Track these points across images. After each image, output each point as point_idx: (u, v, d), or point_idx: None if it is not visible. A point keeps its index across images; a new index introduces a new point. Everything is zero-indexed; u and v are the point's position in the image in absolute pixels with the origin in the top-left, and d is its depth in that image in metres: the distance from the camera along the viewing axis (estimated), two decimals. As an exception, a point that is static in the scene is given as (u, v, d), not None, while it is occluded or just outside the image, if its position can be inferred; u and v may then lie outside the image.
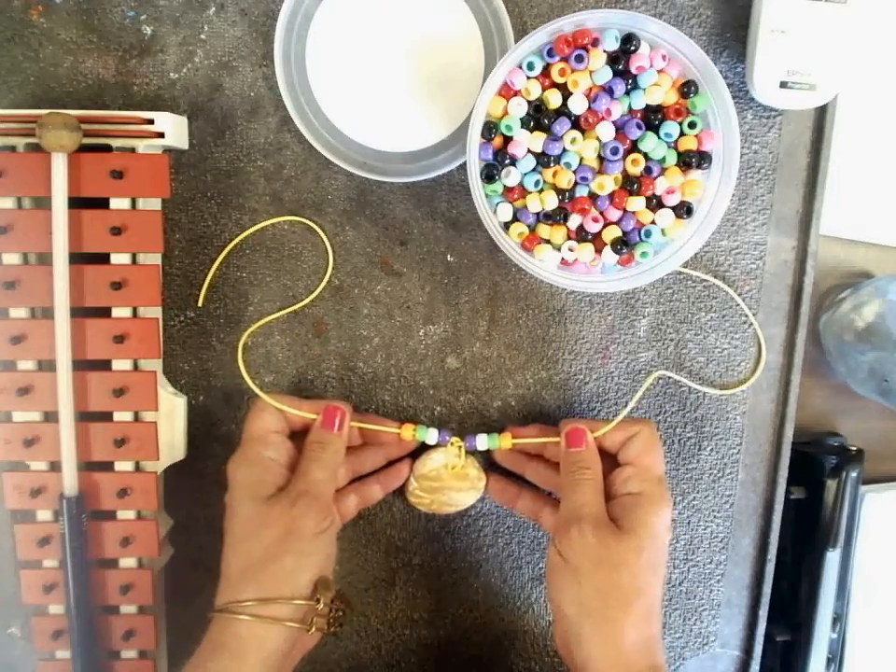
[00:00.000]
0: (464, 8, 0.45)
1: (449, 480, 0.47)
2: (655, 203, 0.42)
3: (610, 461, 0.44)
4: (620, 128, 0.41)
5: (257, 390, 0.45)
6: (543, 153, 0.41)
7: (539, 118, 0.41)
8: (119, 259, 0.44)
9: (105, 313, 0.44)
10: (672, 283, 0.49)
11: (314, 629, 0.39)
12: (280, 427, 0.44)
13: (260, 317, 0.48)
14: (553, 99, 0.41)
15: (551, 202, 0.42)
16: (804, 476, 0.52)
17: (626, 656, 0.38)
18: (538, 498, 0.47)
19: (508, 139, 0.42)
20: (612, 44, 0.40)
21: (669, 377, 0.50)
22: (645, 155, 0.42)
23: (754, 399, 0.50)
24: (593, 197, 0.42)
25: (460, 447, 0.47)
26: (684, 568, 0.52)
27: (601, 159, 0.42)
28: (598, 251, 0.43)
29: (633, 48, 0.40)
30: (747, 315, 0.49)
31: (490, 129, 0.41)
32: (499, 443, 0.47)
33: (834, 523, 0.51)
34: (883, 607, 0.56)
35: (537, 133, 0.41)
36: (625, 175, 0.42)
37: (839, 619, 0.53)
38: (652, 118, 0.41)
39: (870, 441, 0.55)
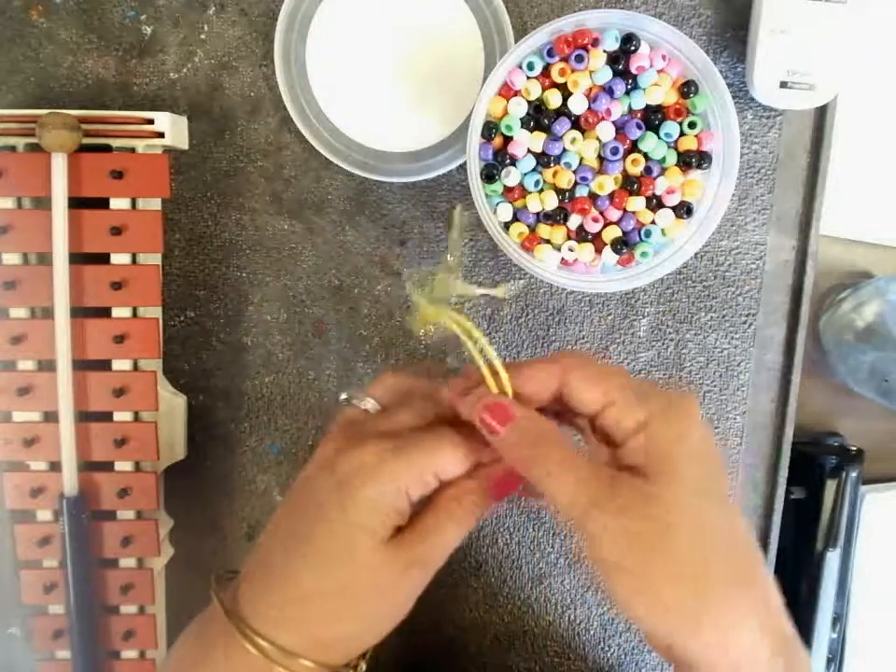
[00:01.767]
0: (464, 8, 0.45)
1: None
2: (655, 203, 0.42)
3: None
4: (620, 128, 0.41)
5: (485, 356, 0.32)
6: (543, 153, 0.41)
7: (539, 118, 0.41)
8: (118, 258, 0.44)
9: (105, 313, 0.44)
10: (672, 283, 0.49)
11: None
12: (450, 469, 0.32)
13: (261, 317, 0.48)
14: (553, 99, 0.41)
15: (551, 202, 0.42)
16: (804, 476, 0.52)
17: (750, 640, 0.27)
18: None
19: (508, 139, 0.42)
20: (612, 44, 0.40)
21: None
22: (645, 155, 0.42)
23: (754, 399, 0.50)
24: (593, 197, 0.42)
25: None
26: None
27: (601, 159, 0.42)
28: (598, 251, 0.43)
29: (633, 48, 0.40)
30: (747, 316, 0.49)
31: (490, 129, 0.41)
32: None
33: (834, 523, 0.51)
34: (883, 607, 0.56)
35: (537, 133, 0.41)
36: (625, 175, 0.42)
37: (839, 619, 0.53)
38: (652, 118, 0.41)
39: (870, 441, 0.55)
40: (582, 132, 0.41)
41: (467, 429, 0.32)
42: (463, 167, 0.47)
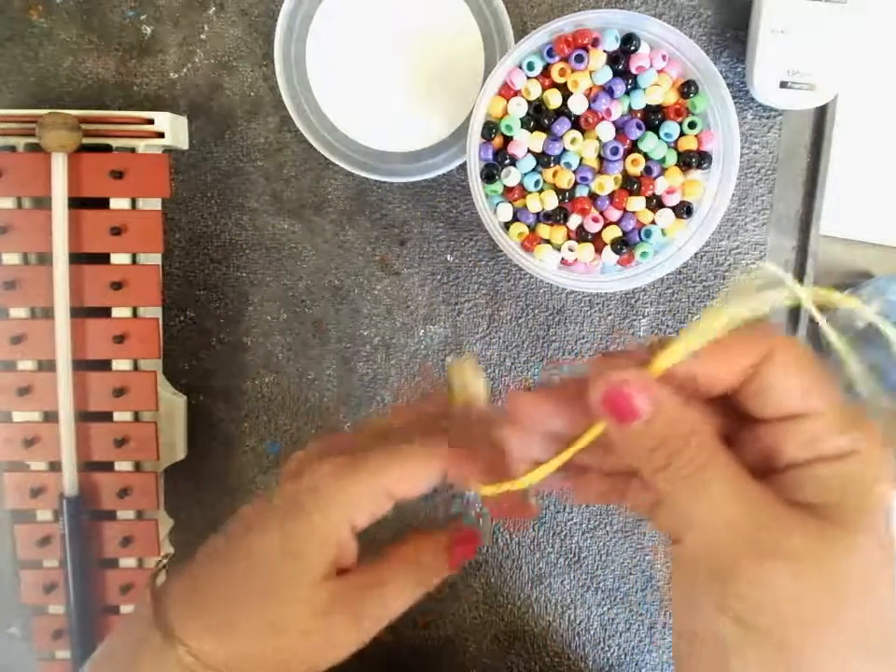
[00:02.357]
0: (464, 8, 0.45)
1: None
2: (655, 203, 0.42)
3: (724, 409, 0.24)
4: (620, 128, 0.41)
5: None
6: (543, 153, 0.41)
7: (539, 118, 0.41)
8: (118, 258, 0.44)
9: (105, 313, 0.44)
10: (672, 283, 0.49)
11: None
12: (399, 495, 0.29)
13: (261, 317, 0.48)
14: (553, 99, 0.41)
15: (551, 202, 0.42)
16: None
17: None
18: (615, 474, 0.27)
19: (508, 139, 0.42)
20: (612, 44, 0.40)
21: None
22: (645, 155, 0.42)
23: (754, 399, 0.50)
24: (593, 197, 0.42)
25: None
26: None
27: (601, 159, 0.42)
28: (598, 251, 0.43)
29: (633, 48, 0.40)
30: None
31: (490, 129, 0.41)
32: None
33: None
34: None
35: (537, 133, 0.41)
36: (625, 175, 0.42)
37: None
38: (652, 118, 0.41)
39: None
40: (582, 132, 0.41)
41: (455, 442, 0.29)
42: (463, 167, 0.47)
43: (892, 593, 0.21)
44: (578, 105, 0.40)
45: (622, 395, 0.22)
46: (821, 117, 0.48)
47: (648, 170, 0.41)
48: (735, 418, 0.23)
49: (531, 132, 0.41)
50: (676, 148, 0.42)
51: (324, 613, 0.28)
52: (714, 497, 0.21)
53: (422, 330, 0.49)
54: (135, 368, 0.45)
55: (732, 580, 0.21)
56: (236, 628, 0.28)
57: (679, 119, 0.41)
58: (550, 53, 0.40)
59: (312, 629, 0.28)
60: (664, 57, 0.40)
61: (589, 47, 0.40)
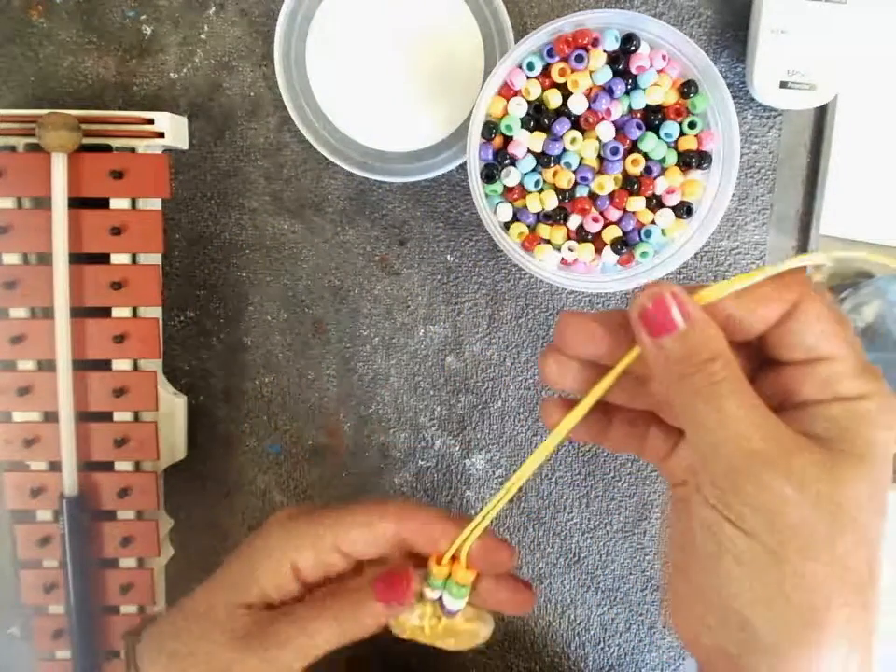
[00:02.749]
0: (464, 8, 0.45)
1: (433, 637, 0.34)
2: (655, 203, 0.42)
3: (747, 354, 0.25)
4: (620, 128, 0.41)
5: None
6: (543, 153, 0.41)
7: (539, 118, 0.41)
8: (118, 258, 0.44)
9: (105, 313, 0.44)
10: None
11: None
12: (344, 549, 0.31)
13: (261, 317, 0.48)
14: (553, 99, 0.41)
15: (551, 202, 0.42)
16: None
17: None
18: (633, 420, 0.29)
19: (508, 139, 0.42)
20: (612, 44, 0.40)
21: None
22: (645, 155, 0.42)
23: (754, 398, 0.50)
24: (593, 197, 0.42)
25: (433, 606, 0.33)
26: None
27: (601, 159, 0.42)
28: (598, 251, 0.43)
29: (633, 48, 0.40)
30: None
31: (490, 129, 0.41)
32: (460, 592, 0.31)
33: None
34: (883, 607, 0.56)
35: (537, 133, 0.41)
36: (625, 175, 0.42)
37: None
38: (652, 118, 0.41)
39: (870, 441, 0.55)
40: (582, 132, 0.41)
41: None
42: (463, 167, 0.47)
43: (881, 532, 0.23)
44: (578, 104, 0.40)
45: (661, 306, 0.23)
46: (821, 117, 0.48)
47: (648, 170, 0.41)
48: (754, 362, 0.24)
49: (531, 132, 0.41)
50: (676, 148, 0.42)
51: (241, 638, 0.29)
52: (731, 411, 0.22)
53: (422, 330, 0.49)
54: (135, 368, 0.45)
55: (742, 483, 0.22)
56: (181, 662, 0.30)
57: (679, 119, 0.41)
58: (550, 53, 0.40)
59: (232, 657, 0.29)
60: (664, 57, 0.40)
61: (589, 47, 0.40)
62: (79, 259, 0.43)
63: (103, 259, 0.44)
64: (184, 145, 0.46)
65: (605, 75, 0.40)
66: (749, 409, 0.23)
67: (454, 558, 0.31)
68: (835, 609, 0.22)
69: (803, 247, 0.49)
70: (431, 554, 0.31)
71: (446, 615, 0.32)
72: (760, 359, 0.25)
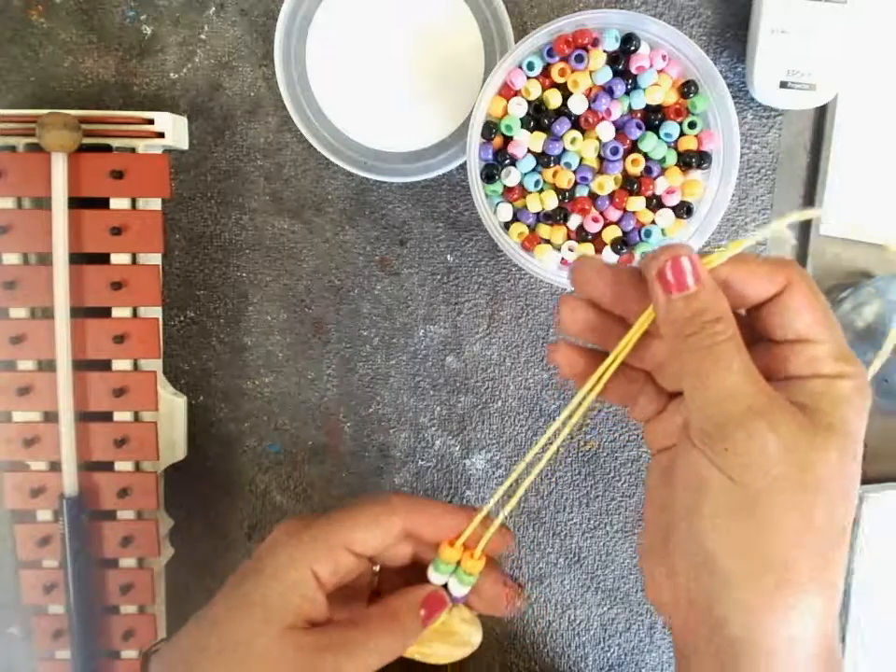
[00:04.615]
0: (464, 9, 0.45)
1: (429, 636, 0.33)
2: (655, 203, 0.42)
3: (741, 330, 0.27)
4: (620, 128, 0.41)
5: None
6: (543, 153, 0.41)
7: (539, 118, 0.41)
8: (118, 258, 0.44)
9: (105, 313, 0.44)
10: (672, 283, 0.49)
11: None
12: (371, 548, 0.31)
13: (261, 317, 0.48)
14: (553, 99, 0.41)
15: (551, 202, 0.42)
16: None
17: (813, 641, 0.24)
18: (633, 377, 0.30)
19: (508, 139, 0.42)
20: (612, 44, 0.40)
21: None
22: (645, 155, 0.42)
23: (754, 398, 0.50)
24: (593, 197, 0.42)
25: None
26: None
27: (601, 159, 0.42)
28: (598, 251, 0.43)
29: (633, 48, 0.40)
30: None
31: (490, 129, 0.41)
32: (468, 579, 0.31)
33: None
34: (883, 608, 0.56)
35: (537, 133, 0.41)
36: (625, 175, 0.42)
37: (839, 618, 0.53)
38: (652, 118, 0.41)
39: (869, 441, 0.55)
40: (582, 132, 0.41)
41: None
42: (463, 167, 0.47)
43: (850, 502, 0.25)
44: (578, 105, 0.40)
45: (678, 266, 0.25)
46: (821, 117, 0.48)
47: (648, 170, 0.41)
48: (747, 338, 0.26)
49: (531, 132, 0.41)
50: (676, 148, 0.42)
51: (292, 661, 0.28)
52: (728, 366, 0.25)
53: (422, 330, 0.49)
54: (135, 368, 0.45)
55: (733, 431, 0.24)
56: None
57: (679, 119, 0.41)
58: (550, 53, 0.40)
59: None
60: (664, 57, 0.40)
61: (589, 47, 0.40)
62: (79, 259, 0.43)
63: (103, 258, 0.44)
64: (184, 145, 0.46)
65: (605, 75, 0.40)
66: (746, 368, 0.25)
67: (464, 545, 0.31)
68: (807, 569, 0.24)
69: (803, 247, 0.49)
70: (441, 541, 0.31)
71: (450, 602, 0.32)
72: (752, 336, 0.27)
